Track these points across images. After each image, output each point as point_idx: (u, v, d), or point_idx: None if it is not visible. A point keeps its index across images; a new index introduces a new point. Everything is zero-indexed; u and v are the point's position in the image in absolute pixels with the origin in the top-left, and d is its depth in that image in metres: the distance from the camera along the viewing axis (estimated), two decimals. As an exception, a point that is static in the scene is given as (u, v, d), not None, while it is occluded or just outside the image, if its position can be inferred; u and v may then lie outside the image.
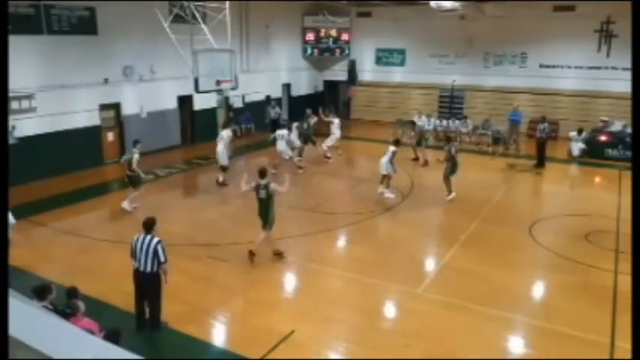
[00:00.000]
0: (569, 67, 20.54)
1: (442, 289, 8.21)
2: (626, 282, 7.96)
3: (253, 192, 8.94)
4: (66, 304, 5.62)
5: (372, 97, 24.98)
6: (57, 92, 14.13)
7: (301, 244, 10.08)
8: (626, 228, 10.02)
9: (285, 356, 6.42)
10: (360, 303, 7.87)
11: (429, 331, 7.04)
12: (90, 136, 15.14)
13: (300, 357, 6.39)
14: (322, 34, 24.46)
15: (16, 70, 11.27)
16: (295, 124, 16.66)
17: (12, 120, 12.64)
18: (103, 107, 15.73)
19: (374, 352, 6.56)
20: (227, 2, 14.55)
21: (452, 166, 12.69)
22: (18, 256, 8.62)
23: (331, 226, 10.83)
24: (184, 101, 18.29)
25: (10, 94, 12.24)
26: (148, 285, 6.72)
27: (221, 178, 13.67)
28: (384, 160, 12.73)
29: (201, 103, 18.66)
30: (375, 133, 20.79)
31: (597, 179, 16.23)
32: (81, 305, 5.59)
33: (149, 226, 6.71)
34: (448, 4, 17.94)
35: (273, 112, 20.37)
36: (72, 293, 5.84)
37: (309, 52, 24.73)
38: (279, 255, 9.19)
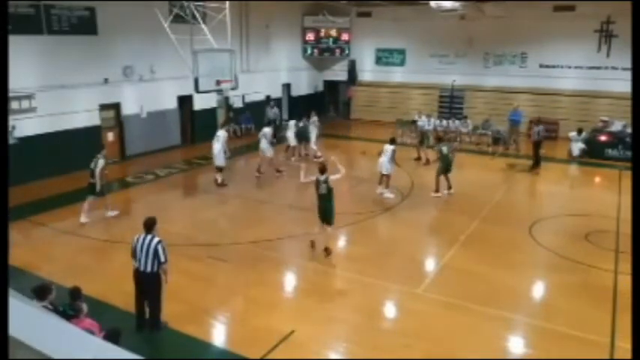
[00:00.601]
0: (569, 67, 20.56)
1: (442, 289, 8.21)
2: (626, 282, 7.97)
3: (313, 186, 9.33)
4: (68, 305, 5.61)
5: (372, 97, 24.98)
6: (57, 92, 14.14)
7: (301, 244, 10.08)
8: (626, 228, 10.03)
9: (285, 356, 6.42)
10: (360, 303, 7.87)
11: (429, 331, 7.04)
12: (90, 136, 15.13)
13: (300, 357, 6.39)
14: (322, 34, 24.46)
15: (16, 70, 11.29)
16: (292, 122, 16.68)
17: (12, 120, 12.65)
18: (103, 107, 15.73)
19: (374, 352, 6.56)
20: (227, 2, 14.55)
21: (444, 165, 12.86)
22: (18, 256, 8.63)
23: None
24: (184, 101, 18.29)
25: (10, 94, 12.24)
26: (148, 285, 6.72)
27: (219, 179, 13.67)
28: (384, 159, 12.74)
29: (201, 103, 18.67)
30: (375, 133, 20.78)
31: (597, 179, 16.22)
32: (84, 307, 5.58)
33: (149, 226, 6.71)
34: (448, 4, 17.94)
35: (271, 112, 20.34)
36: (75, 294, 5.83)
37: (309, 52, 24.73)
38: (328, 251, 9.29)
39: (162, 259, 6.60)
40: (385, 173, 12.84)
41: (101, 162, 10.89)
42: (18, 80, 12.17)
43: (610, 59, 19.68)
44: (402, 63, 24.10)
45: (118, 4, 15.04)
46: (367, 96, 25.11)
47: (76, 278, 7.02)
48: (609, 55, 19.69)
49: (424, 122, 17.91)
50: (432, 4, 17.87)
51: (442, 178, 12.97)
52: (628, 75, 16.63)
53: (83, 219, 10.92)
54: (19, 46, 12.26)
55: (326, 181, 9.17)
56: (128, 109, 16.44)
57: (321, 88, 26.16)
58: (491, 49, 21.82)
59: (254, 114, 21.08)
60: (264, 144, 14.46)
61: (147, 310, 6.89)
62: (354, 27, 24.45)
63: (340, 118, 25.40)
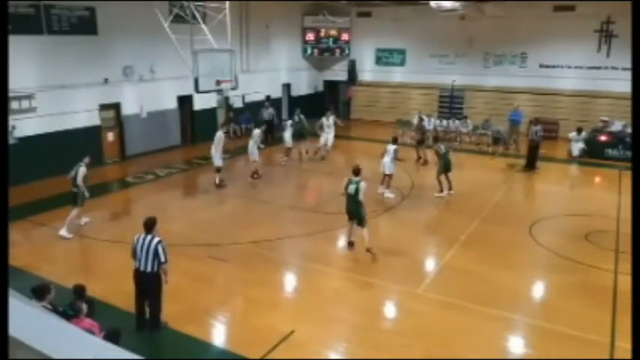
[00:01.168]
0: (569, 67, 20.55)
1: (442, 289, 8.21)
2: (626, 282, 7.97)
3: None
4: (68, 305, 5.61)
5: (372, 97, 24.98)
6: (57, 92, 14.13)
7: (301, 244, 10.08)
8: (626, 228, 10.03)
9: (285, 356, 6.42)
10: (360, 303, 7.88)
11: (428, 331, 7.04)
12: (90, 136, 15.13)
13: (300, 357, 6.39)
14: (322, 34, 24.46)
15: (16, 70, 11.29)
16: (289, 122, 16.68)
17: (12, 120, 12.65)
18: (103, 107, 15.73)
19: (374, 352, 6.56)
20: (227, 2, 14.55)
21: (443, 165, 12.89)
22: (18, 256, 8.63)
23: (331, 226, 10.82)
24: (184, 101, 18.29)
25: (10, 94, 12.25)
26: (149, 285, 6.72)
27: (217, 180, 13.66)
28: (387, 159, 12.74)
29: (201, 103, 18.66)
30: (375, 133, 20.78)
31: (597, 179, 16.22)
32: (83, 307, 5.57)
33: (150, 226, 6.71)
34: (448, 4, 17.95)
35: (266, 113, 20.01)
36: (78, 292, 5.82)
37: (309, 52, 24.72)
38: (370, 251, 9.26)
39: (163, 259, 6.59)
40: (388, 173, 12.84)
41: (82, 170, 10.03)
42: (18, 80, 12.17)
43: (610, 59, 19.68)
44: (402, 63, 24.09)
45: (118, 4, 15.03)
46: (367, 96, 25.11)
47: (76, 278, 7.01)
48: (609, 55, 19.68)
49: (424, 122, 17.93)
50: (432, 4, 17.87)
51: (443, 177, 12.97)
52: (628, 75, 16.63)
53: (63, 232, 9.99)
54: (19, 46, 12.26)
55: (357, 183, 9.29)
56: (128, 109, 16.44)
57: (321, 88, 26.16)
58: (491, 49, 21.81)
59: (254, 114, 21.01)
60: (251, 146, 14.16)
61: (147, 310, 6.89)
62: (354, 27, 24.45)
63: (340, 118, 25.36)
